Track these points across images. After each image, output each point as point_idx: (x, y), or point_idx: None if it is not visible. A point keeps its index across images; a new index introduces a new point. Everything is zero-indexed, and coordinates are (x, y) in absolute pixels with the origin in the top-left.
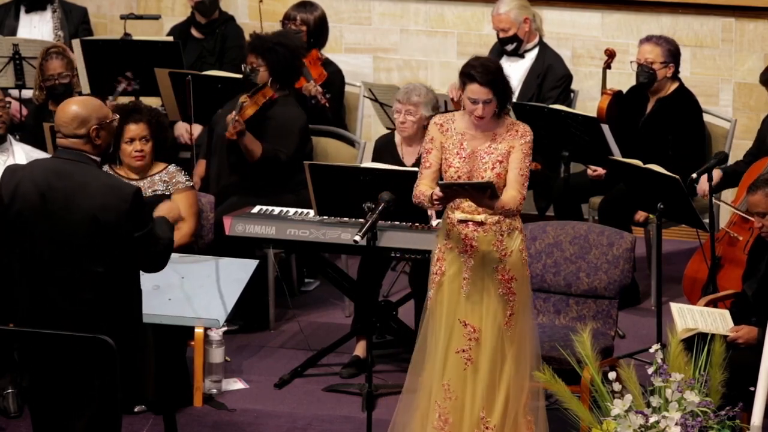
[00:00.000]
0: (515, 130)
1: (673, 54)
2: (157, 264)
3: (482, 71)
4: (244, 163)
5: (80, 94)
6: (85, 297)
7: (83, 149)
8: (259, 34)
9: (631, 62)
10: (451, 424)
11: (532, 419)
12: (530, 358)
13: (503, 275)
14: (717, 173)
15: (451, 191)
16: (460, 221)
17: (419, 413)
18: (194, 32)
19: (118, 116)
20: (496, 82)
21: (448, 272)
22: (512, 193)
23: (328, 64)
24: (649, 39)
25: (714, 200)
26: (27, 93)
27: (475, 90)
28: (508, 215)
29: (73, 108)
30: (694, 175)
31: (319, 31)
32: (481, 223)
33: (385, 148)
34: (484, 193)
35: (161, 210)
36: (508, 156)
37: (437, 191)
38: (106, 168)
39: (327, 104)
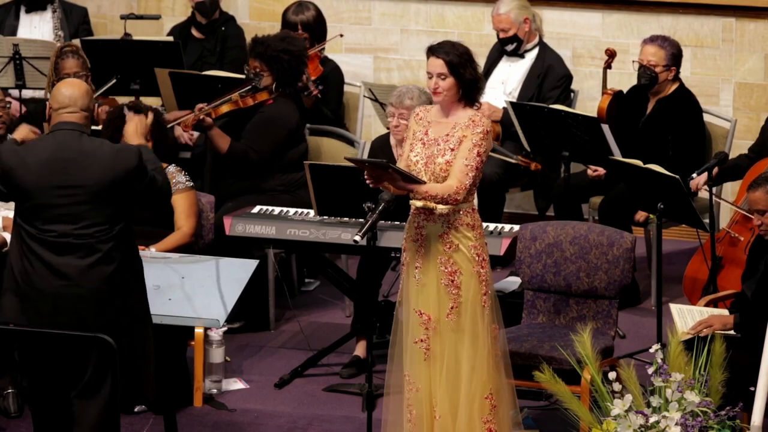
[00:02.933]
0: (473, 121)
1: (676, 58)
2: (165, 196)
3: (441, 45)
4: (241, 164)
5: None
6: (98, 258)
7: (85, 123)
8: (263, 38)
9: (633, 62)
10: (415, 416)
11: (494, 427)
12: (490, 359)
13: (446, 267)
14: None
15: (364, 167)
16: (417, 209)
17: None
18: (195, 32)
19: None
20: (455, 61)
21: (408, 261)
22: (449, 182)
23: (326, 62)
24: (653, 40)
25: (714, 198)
26: (27, 93)
27: (430, 63)
28: (441, 203)
29: (81, 84)
30: (694, 175)
31: (318, 28)
32: (431, 212)
33: (380, 149)
34: (387, 172)
35: (133, 136)
36: (460, 144)
37: (367, 178)
38: None
39: (318, 95)
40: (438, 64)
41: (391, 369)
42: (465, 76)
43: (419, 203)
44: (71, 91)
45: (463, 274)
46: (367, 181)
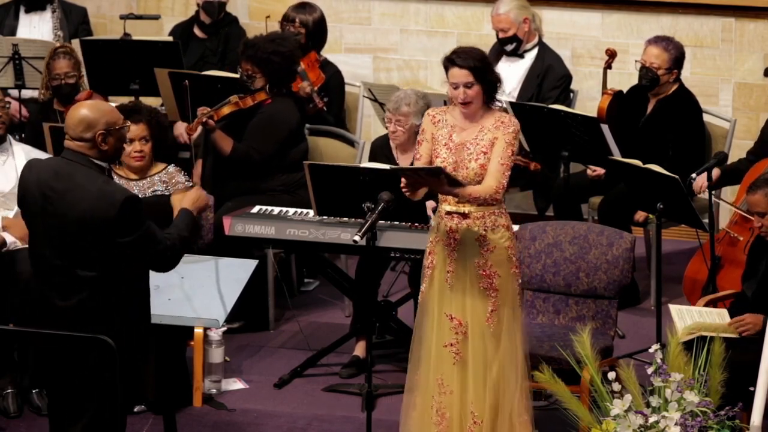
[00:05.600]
0: (501, 121)
1: (678, 61)
2: (161, 264)
3: (461, 55)
4: (244, 165)
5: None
6: (79, 297)
7: (88, 153)
8: (253, 41)
9: (636, 61)
10: (448, 419)
11: (527, 419)
12: (520, 356)
13: (485, 270)
14: (715, 171)
15: (408, 177)
16: (447, 213)
17: (417, 412)
18: (197, 32)
19: (129, 123)
20: (477, 67)
21: (437, 265)
22: (488, 182)
23: (326, 65)
24: (657, 42)
25: (714, 199)
26: (27, 93)
27: (454, 74)
28: (482, 204)
29: (82, 111)
30: (694, 175)
31: (317, 32)
32: (465, 216)
33: (380, 150)
34: (438, 178)
35: (187, 201)
36: (492, 147)
37: (403, 187)
38: None
39: (324, 108)
40: (463, 74)
41: (411, 369)
42: (489, 81)
43: (450, 207)
44: (82, 116)
45: (501, 276)
46: (404, 190)
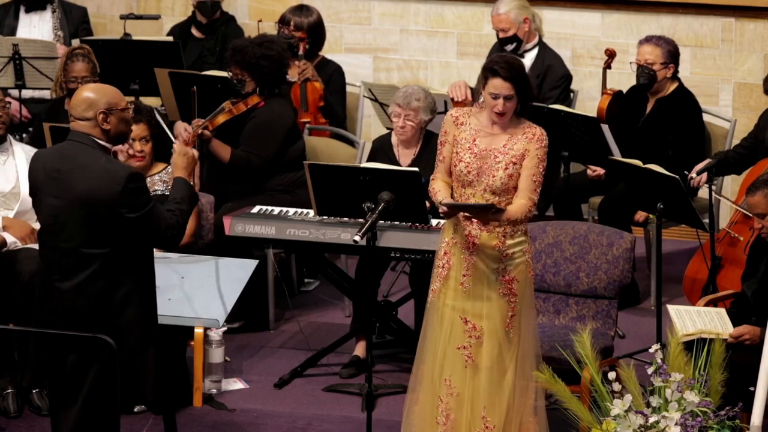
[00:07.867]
0: (531, 133)
1: (672, 54)
2: (166, 242)
3: (506, 67)
4: (245, 171)
5: None
6: (83, 276)
7: (92, 133)
8: (241, 45)
9: (630, 63)
10: (453, 420)
11: (535, 419)
12: (533, 359)
13: (504, 276)
14: (704, 163)
15: (456, 209)
16: (466, 217)
17: (419, 407)
18: (195, 32)
19: (132, 106)
20: (519, 79)
21: (453, 266)
22: (521, 202)
23: (327, 63)
24: (648, 40)
25: (714, 195)
26: (27, 93)
27: (497, 85)
28: (517, 225)
29: (85, 92)
30: (694, 175)
31: (313, 35)
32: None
33: (381, 150)
34: (488, 212)
35: (177, 169)
36: (522, 158)
37: (442, 208)
38: None
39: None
40: (506, 87)
41: (417, 365)
42: (527, 94)
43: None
44: (84, 97)
45: (519, 282)
46: (442, 214)
